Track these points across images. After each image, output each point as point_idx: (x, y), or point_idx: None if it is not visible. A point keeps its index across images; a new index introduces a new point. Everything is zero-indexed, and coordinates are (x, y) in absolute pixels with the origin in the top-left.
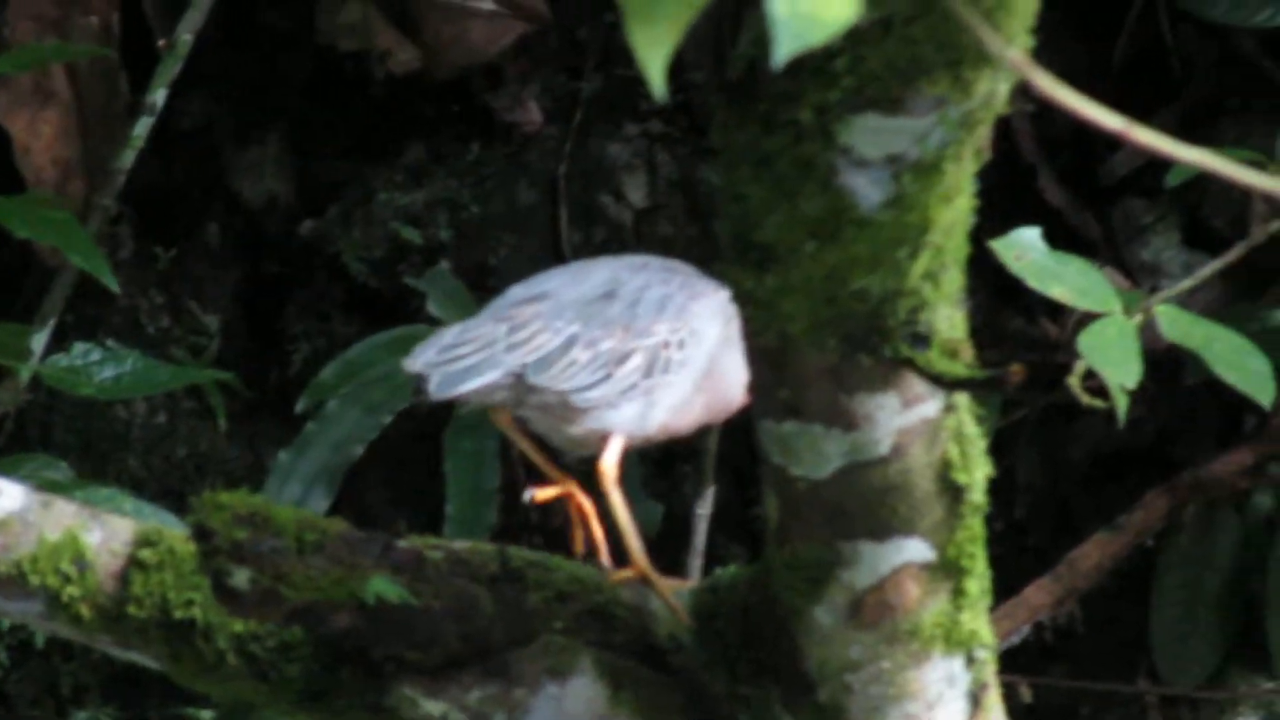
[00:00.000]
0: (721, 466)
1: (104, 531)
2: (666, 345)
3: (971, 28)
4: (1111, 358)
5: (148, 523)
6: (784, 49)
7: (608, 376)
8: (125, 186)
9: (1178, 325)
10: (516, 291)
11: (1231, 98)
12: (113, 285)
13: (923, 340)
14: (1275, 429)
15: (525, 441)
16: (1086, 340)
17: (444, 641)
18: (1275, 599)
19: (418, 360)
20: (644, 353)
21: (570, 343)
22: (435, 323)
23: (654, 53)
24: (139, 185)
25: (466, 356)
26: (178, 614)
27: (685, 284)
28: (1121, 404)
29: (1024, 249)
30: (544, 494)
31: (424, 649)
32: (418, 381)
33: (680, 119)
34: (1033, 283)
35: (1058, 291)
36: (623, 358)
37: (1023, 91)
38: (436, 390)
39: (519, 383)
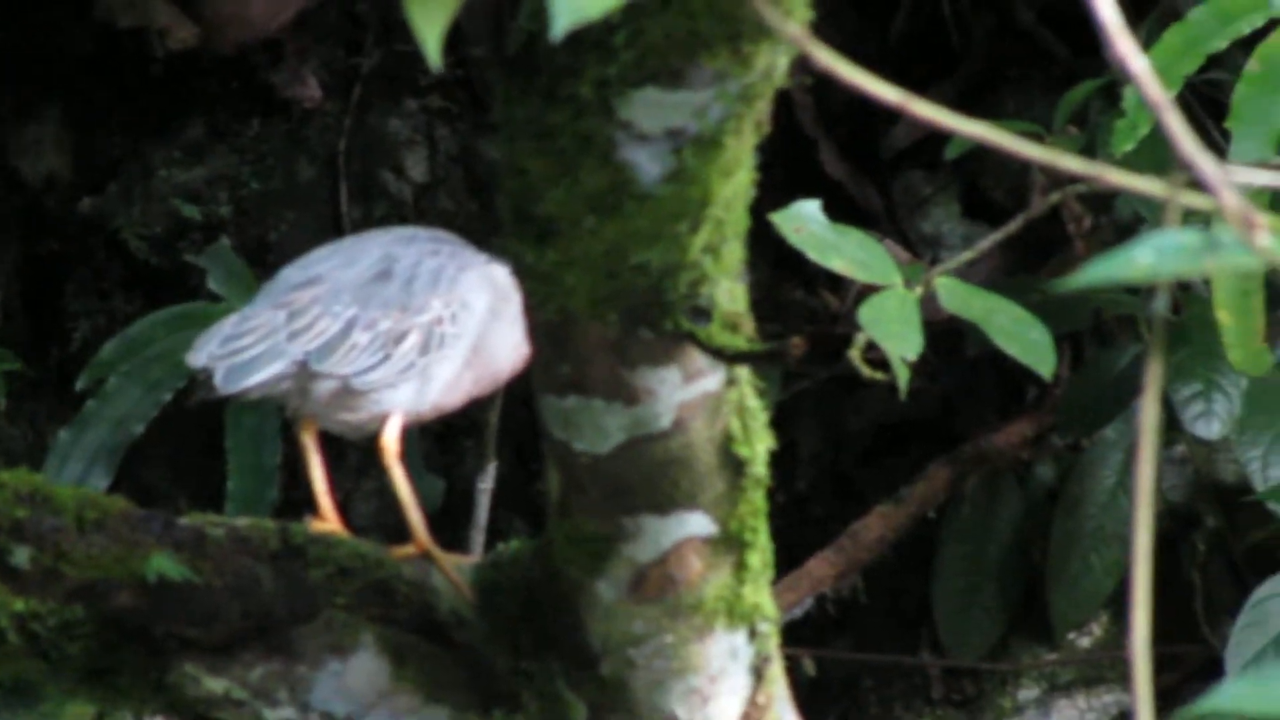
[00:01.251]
0: (503, 441)
1: None
2: (440, 321)
3: (750, 1)
4: (892, 330)
5: None
6: (562, 21)
7: (387, 357)
8: None
9: (958, 297)
10: (290, 274)
11: (1010, 69)
12: None
13: (703, 314)
14: (1056, 400)
15: (316, 460)
16: (867, 312)
17: (226, 619)
18: (1056, 570)
19: (200, 354)
20: (419, 330)
21: (350, 326)
22: (216, 299)
23: (430, 26)
24: None
25: (249, 348)
26: None
27: (454, 255)
28: (902, 376)
29: (804, 221)
30: (320, 527)
31: (205, 626)
32: (202, 375)
33: (460, 94)
34: (813, 255)
35: (838, 264)
36: (400, 337)
37: (803, 65)
38: (223, 385)
39: (303, 371)
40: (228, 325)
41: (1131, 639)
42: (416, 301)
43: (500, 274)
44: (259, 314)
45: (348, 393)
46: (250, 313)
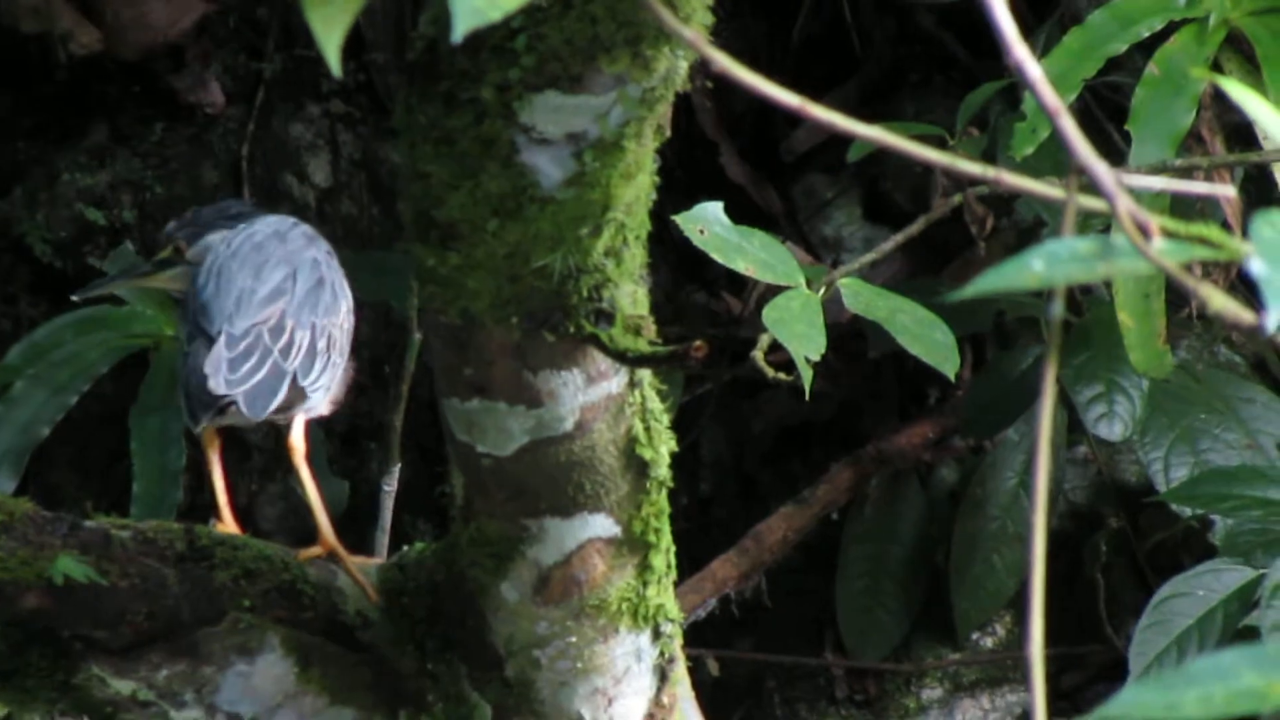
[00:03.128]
0: (408, 444)
1: None
2: (343, 325)
3: (650, 6)
4: (796, 330)
5: None
6: (462, 25)
7: (328, 361)
8: None
9: (861, 297)
10: (237, 283)
11: (911, 73)
12: None
13: (606, 317)
14: (958, 401)
15: (217, 464)
16: (770, 313)
17: (132, 620)
18: (959, 571)
19: (218, 382)
20: (338, 332)
21: (315, 336)
22: (119, 303)
23: (329, 31)
24: None
25: (255, 371)
26: None
27: (330, 252)
28: (807, 376)
29: (707, 223)
30: (224, 529)
31: (111, 628)
32: (219, 402)
33: (362, 99)
34: (717, 256)
35: (742, 265)
36: (330, 341)
37: (703, 69)
38: (251, 413)
39: (294, 385)
40: (220, 349)
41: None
42: (338, 304)
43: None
44: (245, 334)
45: (298, 396)
46: (236, 332)
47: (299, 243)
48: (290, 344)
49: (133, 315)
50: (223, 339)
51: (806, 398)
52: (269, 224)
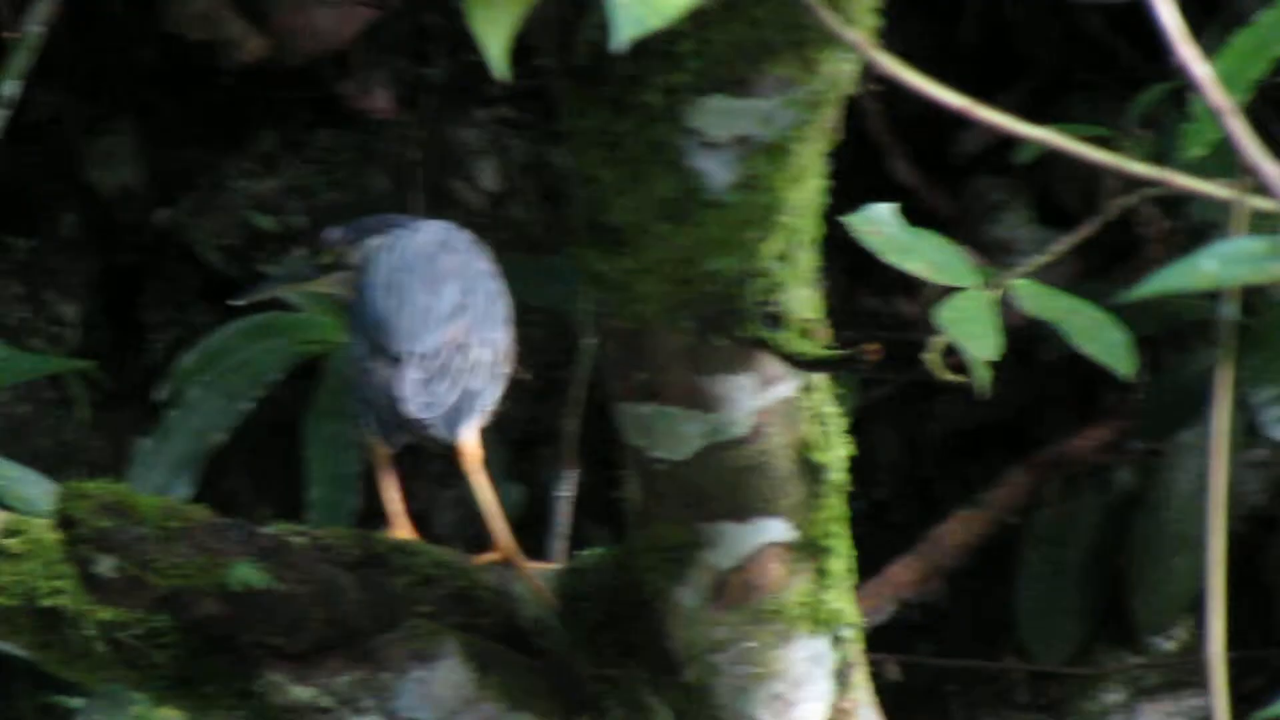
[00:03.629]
0: (583, 448)
1: None
2: (510, 335)
3: (815, 9)
4: (971, 331)
5: (14, 506)
6: (622, 35)
7: (501, 374)
8: None
9: (1036, 298)
10: (418, 300)
11: (1079, 74)
12: None
13: (777, 321)
14: (1133, 404)
15: (390, 481)
16: (946, 314)
17: (309, 627)
18: (1138, 575)
19: (414, 405)
20: (507, 344)
21: (493, 352)
22: (290, 309)
23: (493, 35)
24: None
25: (449, 392)
26: (45, 602)
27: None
28: (983, 377)
29: (879, 225)
30: (398, 534)
31: (289, 634)
32: (415, 426)
33: (530, 103)
34: (890, 258)
35: (915, 266)
36: (504, 354)
37: (872, 72)
38: (448, 435)
39: (478, 401)
40: (412, 369)
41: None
42: (508, 316)
43: None
44: (434, 353)
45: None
46: (426, 352)
47: (467, 253)
48: (473, 362)
49: (305, 321)
50: (412, 360)
51: (983, 400)
52: (432, 231)
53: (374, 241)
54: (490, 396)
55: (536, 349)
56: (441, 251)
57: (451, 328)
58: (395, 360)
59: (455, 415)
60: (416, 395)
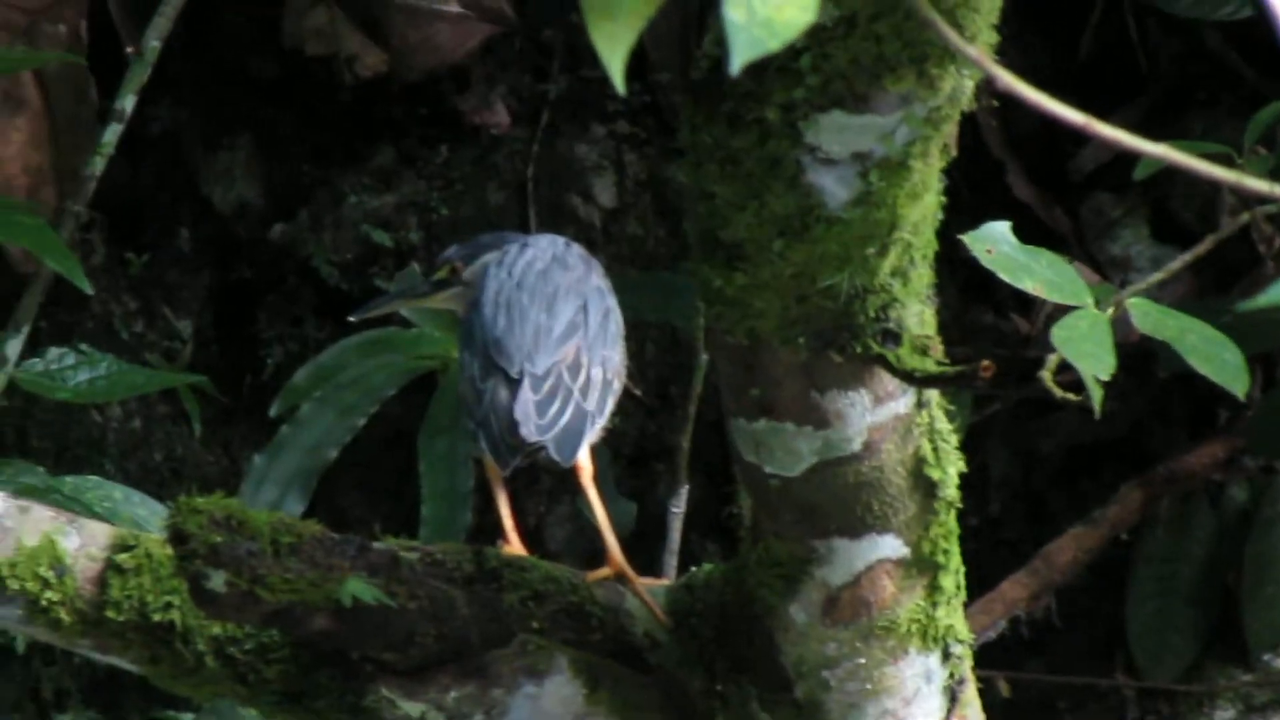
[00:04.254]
0: (695, 464)
1: (81, 536)
2: (622, 351)
3: (935, 25)
4: (1085, 349)
5: (124, 527)
6: (740, 57)
7: (614, 390)
8: (96, 193)
9: (1150, 317)
10: (532, 319)
11: (1198, 91)
12: (86, 287)
13: (893, 337)
14: (1247, 421)
15: (503, 492)
16: (1060, 332)
17: (421, 642)
18: (1251, 592)
19: (529, 429)
20: (620, 360)
21: (605, 370)
22: (407, 325)
23: (614, 49)
24: (110, 191)
25: (562, 414)
26: (156, 617)
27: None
28: (1097, 395)
29: (995, 242)
30: (511, 551)
31: (401, 650)
32: (530, 449)
33: (647, 119)
34: (1004, 276)
35: (1030, 284)
36: (615, 370)
37: (989, 87)
38: (562, 458)
39: (592, 423)
40: (526, 391)
41: None
42: (620, 332)
43: None
44: (547, 375)
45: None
46: (538, 373)
47: (581, 269)
48: (587, 382)
49: (419, 337)
50: (525, 382)
51: (1096, 417)
52: (544, 247)
53: (487, 258)
54: (603, 414)
55: (650, 364)
56: (555, 267)
57: (565, 347)
58: (509, 381)
59: (569, 437)
60: (530, 418)
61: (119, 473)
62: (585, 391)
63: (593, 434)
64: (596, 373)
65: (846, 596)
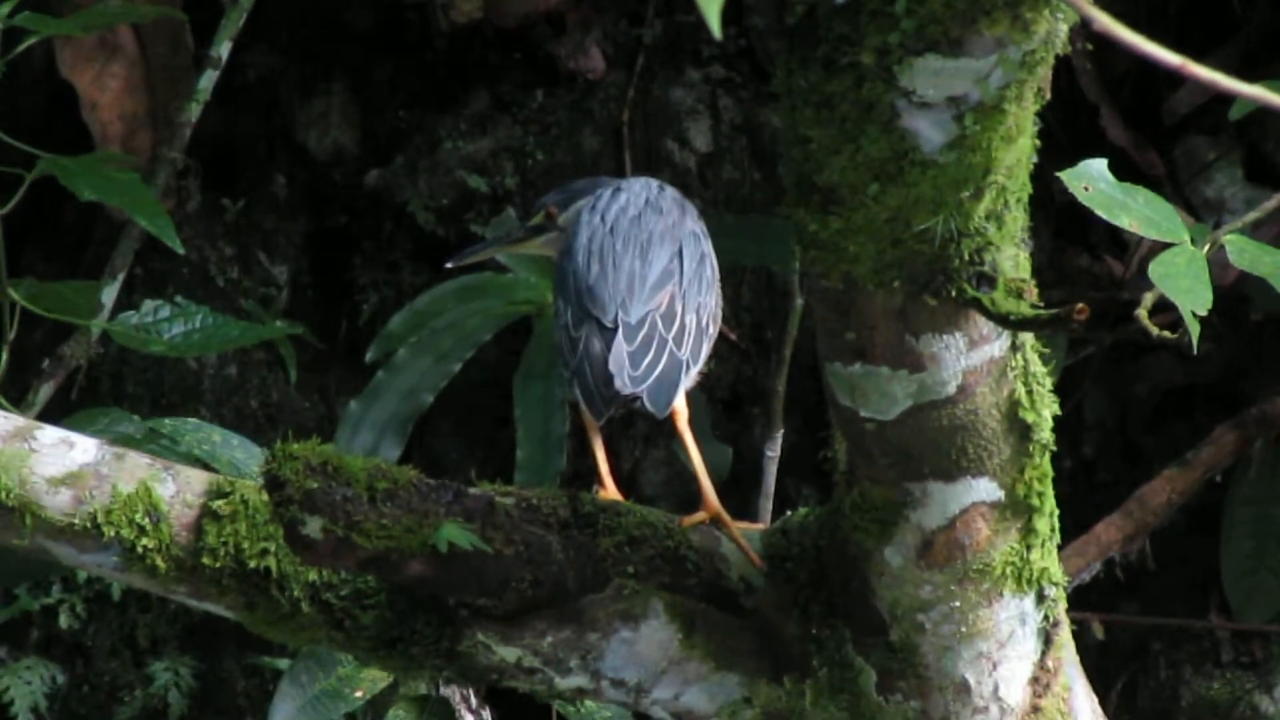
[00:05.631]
0: (790, 409)
1: (177, 483)
2: (718, 297)
3: None
4: (1183, 285)
5: (222, 469)
6: None
7: (709, 336)
8: (191, 140)
9: (1247, 254)
10: (626, 266)
11: None
12: (177, 246)
13: (987, 280)
14: None
15: (598, 438)
16: (1157, 269)
17: (516, 588)
18: None
19: (622, 380)
20: (715, 305)
21: (700, 317)
22: (502, 270)
23: None
24: (205, 138)
25: (656, 365)
26: (252, 564)
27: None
28: (1195, 330)
29: (1091, 180)
30: (607, 496)
31: (496, 595)
32: (624, 400)
33: (742, 64)
34: (1101, 213)
35: (1126, 221)
36: (710, 317)
37: (1084, 30)
38: (656, 410)
39: (686, 372)
40: (619, 343)
41: None
42: (715, 277)
43: None
44: (641, 323)
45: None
46: (631, 321)
47: (675, 213)
48: (682, 330)
49: (515, 282)
50: (621, 331)
51: (1194, 354)
52: (638, 191)
53: (580, 203)
54: (698, 362)
55: (745, 309)
56: (649, 212)
57: (660, 294)
58: (602, 329)
59: (663, 388)
60: (624, 370)
61: (215, 419)
62: (680, 340)
63: (687, 382)
64: (691, 319)
65: (941, 540)
